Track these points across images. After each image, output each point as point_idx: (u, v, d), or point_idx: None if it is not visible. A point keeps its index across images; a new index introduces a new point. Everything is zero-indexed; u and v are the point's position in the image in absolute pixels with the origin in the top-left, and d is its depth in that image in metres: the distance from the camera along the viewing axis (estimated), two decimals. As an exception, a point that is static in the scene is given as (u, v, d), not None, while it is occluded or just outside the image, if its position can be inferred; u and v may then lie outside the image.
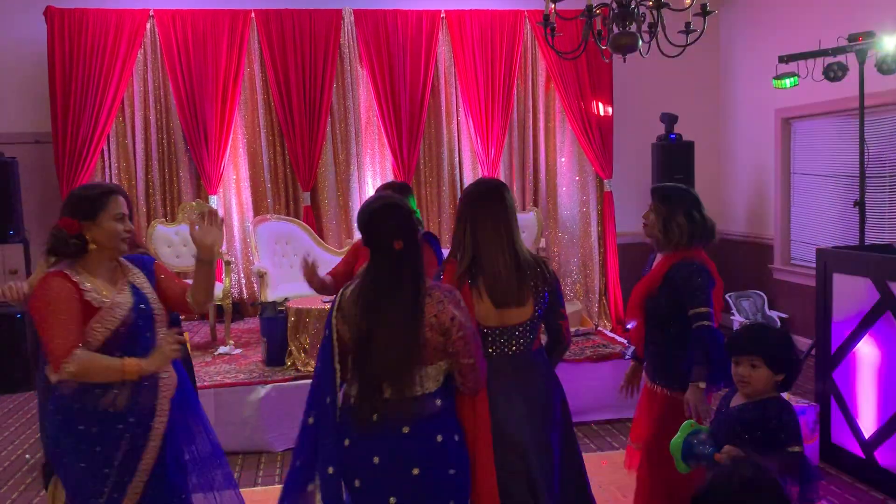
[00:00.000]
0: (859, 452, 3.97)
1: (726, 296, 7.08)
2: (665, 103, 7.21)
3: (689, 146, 7.02)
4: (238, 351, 5.48)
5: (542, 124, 7.31)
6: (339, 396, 2.22)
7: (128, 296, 2.44)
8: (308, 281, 3.50)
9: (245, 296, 6.88)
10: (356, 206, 6.96)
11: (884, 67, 4.82)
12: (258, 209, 6.88)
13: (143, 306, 2.47)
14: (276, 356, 4.93)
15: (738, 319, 6.92)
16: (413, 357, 2.14)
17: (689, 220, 3.03)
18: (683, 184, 7.04)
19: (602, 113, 7.16)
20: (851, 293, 4.05)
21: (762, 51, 6.89)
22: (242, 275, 6.90)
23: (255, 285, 6.71)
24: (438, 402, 2.20)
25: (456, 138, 7.19)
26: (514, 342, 2.51)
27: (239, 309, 6.77)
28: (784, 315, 6.86)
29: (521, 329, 2.51)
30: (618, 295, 7.30)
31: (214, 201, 6.65)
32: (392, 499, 2.14)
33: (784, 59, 5.46)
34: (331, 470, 2.16)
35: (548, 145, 7.34)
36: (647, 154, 7.20)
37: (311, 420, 2.23)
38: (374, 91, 6.86)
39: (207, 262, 2.55)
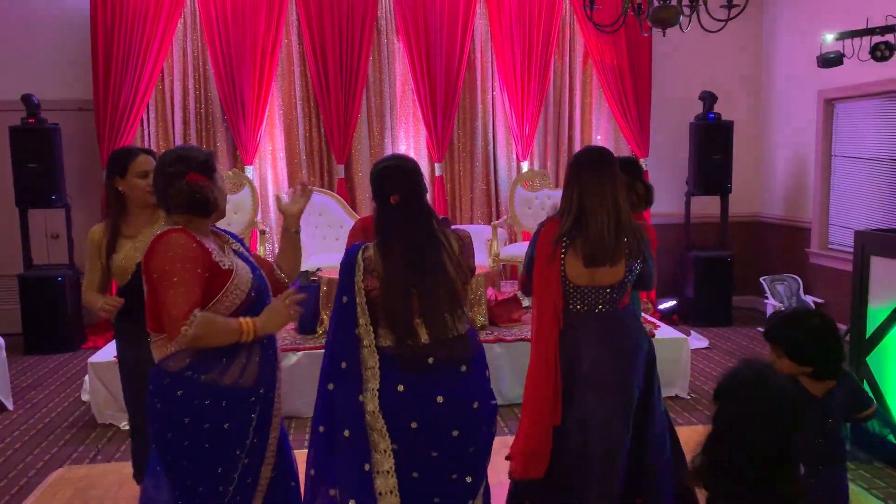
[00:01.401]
0: (892, 438, 3.92)
1: (761, 279, 6.99)
2: (704, 82, 7.09)
3: (728, 126, 6.90)
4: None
5: (578, 101, 7.25)
6: (373, 355, 2.31)
7: (241, 262, 2.35)
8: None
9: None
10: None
11: (933, 47, 4.69)
12: (293, 181, 6.94)
13: (258, 273, 2.39)
14: (308, 324, 5.00)
15: (771, 303, 6.84)
16: (452, 299, 2.31)
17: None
18: (721, 165, 6.99)
19: (639, 90, 7.07)
20: (889, 277, 3.97)
21: (806, 29, 6.73)
22: (277, 244, 6.98)
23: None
24: (478, 339, 2.41)
25: (490, 114, 7.17)
26: (601, 302, 2.67)
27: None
28: (819, 300, 6.76)
29: (609, 290, 2.66)
30: (650, 275, 7.23)
31: (250, 172, 6.72)
32: (455, 432, 2.31)
33: (829, 38, 5.33)
34: (347, 433, 2.29)
35: (584, 122, 7.28)
36: (684, 133, 7.10)
37: (330, 387, 2.35)
38: (409, 64, 6.86)
39: (295, 231, 2.59)
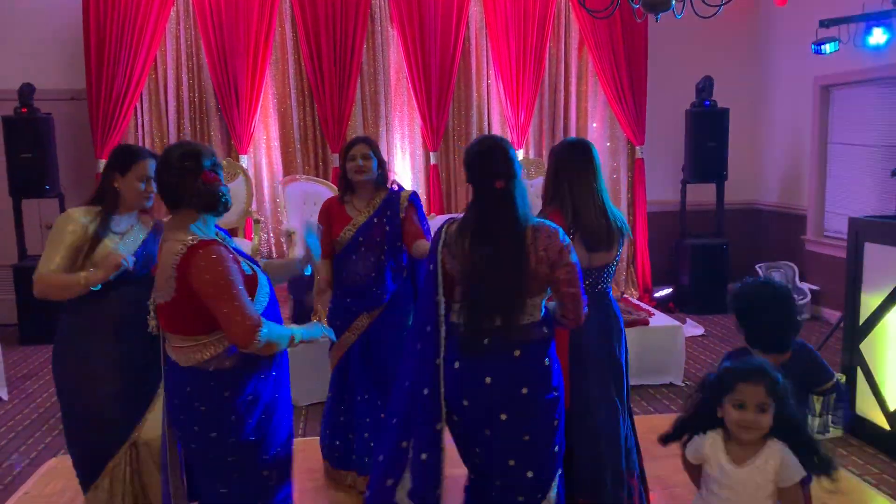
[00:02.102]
0: (884, 424, 3.93)
1: (756, 266, 6.99)
2: (700, 68, 7.05)
3: (724, 113, 6.88)
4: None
5: (573, 88, 7.22)
6: (442, 326, 2.36)
7: (251, 263, 2.43)
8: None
9: (274, 255, 6.96)
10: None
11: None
12: (287, 169, 6.92)
13: (266, 274, 2.50)
14: (302, 314, 4.99)
15: (767, 290, 6.82)
16: (521, 288, 2.30)
17: None
18: (717, 152, 6.97)
19: (635, 77, 7.04)
20: (883, 264, 3.97)
21: (802, 14, 6.68)
22: (271, 234, 6.97)
23: (283, 245, 6.78)
24: (545, 329, 2.37)
25: (486, 101, 7.14)
26: (598, 281, 2.86)
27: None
28: (815, 287, 6.76)
29: (605, 270, 2.88)
30: (646, 264, 7.24)
31: (245, 161, 6.70)
32: (502, 415, 2.30)
33: (825, 24, 5.31)
34: (426, 391, 2.35)
35: (579, 110, 7.26)
36: (680, 120, 7.08)
37: (418, 346, 2.41)
38: (404, 51, 6.82)
39: (298, 267, 2.84)
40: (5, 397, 4.94)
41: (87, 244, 2.68)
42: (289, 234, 6.16)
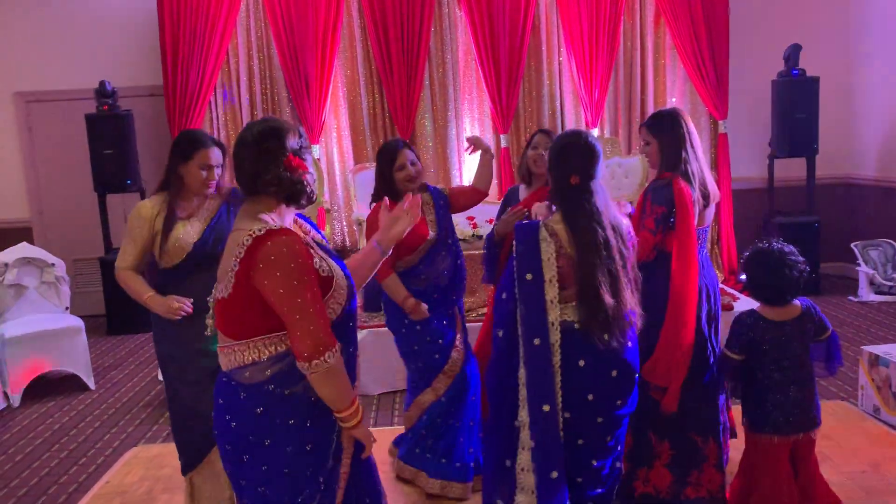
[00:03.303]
0: None
1: (852, 245, 6.55)
2: (787, 36, 6.63)
3: (814, 82, 6.45)
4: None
5: (650, 62, 6.92)
6: (552, 330, 2.34)
7: (331, 261, 2.06)
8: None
9: (347, 243, 6.98)
10: (454, 154, 6.88)
11: None
12: (358, 157, 6.91)
13: (349, 275, 2.11)
14: (373, 302, 4.97)
15: (864, 270, 6.40)
16: (631, 277, 2.39)
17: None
18: (807, 125, 6.57)
19: (716, 49, 6.67)
20: None
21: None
22: (344, 222, 6.98)
23: (355, 233, 6.79)
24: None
25: (557, 80, 6.92)
26: (701, 243, 2.97)
27: (341, 255, 6.87)
28: (918, 266, 6.29)
29: (707, 229, 3.07)
30: (731, 244, 6.89)
31: (316, 150, 6.72)
32: (618, 401, 2.41)
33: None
34: (546, 407, 2.31)
35: (657, 85, 6.95)
36: (766, 92, 6.69)
37: (513, 360, 2.39)
38: (472, 33, 6.68)
39: (382, 252, 2.27)
40: (93, 386, 5.12)
41: (158, 234, 2.76)
42: (360, 223, 6.16)
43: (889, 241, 6.51)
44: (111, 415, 4.65)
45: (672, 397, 2.80)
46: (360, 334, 4.62)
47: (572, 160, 2.40)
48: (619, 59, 6.87)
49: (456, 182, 6.81)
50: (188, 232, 2.79)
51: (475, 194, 3.46)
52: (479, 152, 3.45)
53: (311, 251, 1.97)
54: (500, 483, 2.45)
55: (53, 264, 5.31)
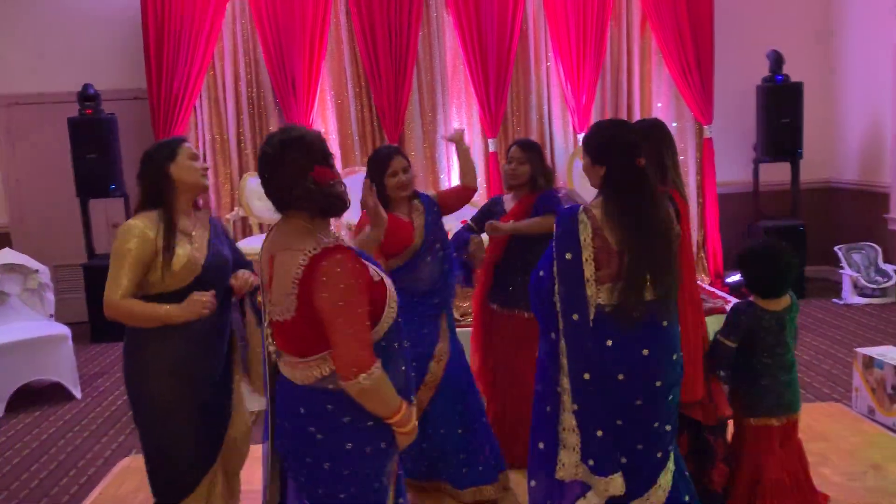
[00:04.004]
0: None
1: (836, 248, 6.64)
2: (770, 41, 6.71)
3: (798, 87, 6.54)
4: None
5: (636, 68, 6.96)
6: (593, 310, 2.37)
7: (373, 266, 2.09)
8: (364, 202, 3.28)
9: (335, 248, 6.92)
10: (442, 157, 6.87)
11: None
12: (346, 161, 6.86)
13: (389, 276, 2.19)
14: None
15: (848, 273, 6.49)
16: (673, 259, 2.43)
17: None
18: (791, 129, 6.65)
19: (701, 54, 6.74)
20: None
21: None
22: (333, 226, 6.92)
23: (345, 237, 6.73)
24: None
25: (545, 85, 6.94)
26: None
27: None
28: (901, 268, 6.39)
29: None
30: (717, 248, 6.95)
31: (303, 154, 6.66)
32: (658, 383, 2.42)
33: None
34: (587, 376, 2.36)
35: (643, 90, 7.00)
36: (750, 97, 6.76)
37: (552, 335, 2.45)
38: (460, 38, 6.67)
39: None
40: (79, 396, 5.02)
41: (157, 257, 2.46)
42: (349, 227, 6.12)
43: (871, 244, 6.61)
44: (100, 424, 4.56)
45: (708, 410, 2.87)
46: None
47: (626, 148, 2.42)
48: (606, 65, 6.90)
49: (445, 186, 6.80)
50: (195, 249, 2.54)
51: (463, 192, 3.43)
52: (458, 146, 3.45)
53: (363, 264, 1.96)
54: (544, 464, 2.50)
55: (37, 270, 5.20)
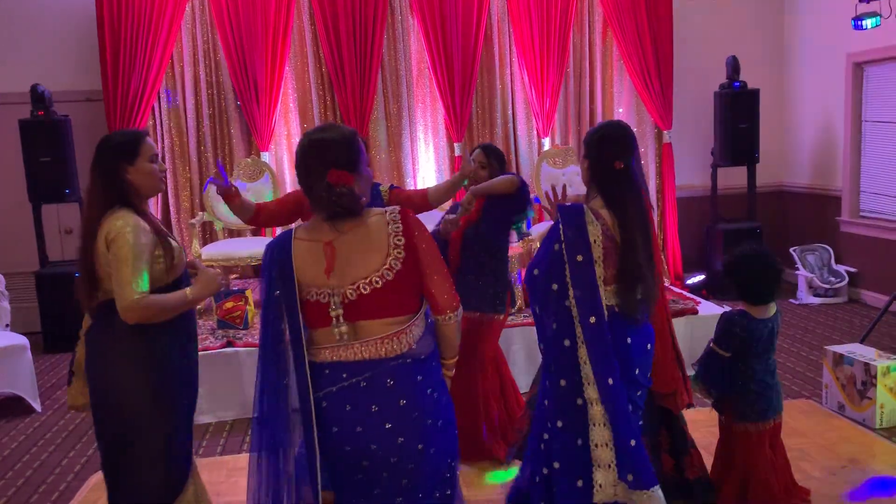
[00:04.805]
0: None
1: (791, 250, 6.85)
2: (727, 49, 6.89)
3: (754, 94, 6.73)
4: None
5: (599, 74, 7.06)
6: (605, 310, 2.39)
7: None
8: (227, 199, 3.22)
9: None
10: (408, 161, 6.84)
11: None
12: (310, 165, 6.76)
13: None
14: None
15: (803, 274, 6.70)
16: (652, 258, 2.49)
17: None
18: (749, 134, 6.82)
19: (661, 61, 6.88)
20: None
21: (833, -9, 6.56)
22: (295, 232, 6.81)
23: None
24: None
25: (510, 90, 6.99)
26: None
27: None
28: (853, 269, 6.63)
29: None
30: (676, 251, 7.10)
31: (266, 157, 6.55)
32: (648, 373, 2.55)
33: (866, -1, 5.16)
34: (611, 381, 2.32)
35: (605, 96, 7.10)
36: (708, 103, 6.93)
37: (566, 342, 2.39)
38: (425, 42, 6.66)
39: None
40: (39, 409, 4.81)
41: (157, 250, 2.43)
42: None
43: (825, 245, 6.85)
44: (65, 438, 4.38)
45: (683, 395, 2.90)
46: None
47: (616, 147, 2.49)
48: (570, 70, 6.98)
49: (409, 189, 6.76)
50: (178, 248, 2.54)
51: (420, 201, 3.47)
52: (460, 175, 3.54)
53: None
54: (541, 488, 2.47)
55: (-8, 279, 4.97)
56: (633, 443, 2.29)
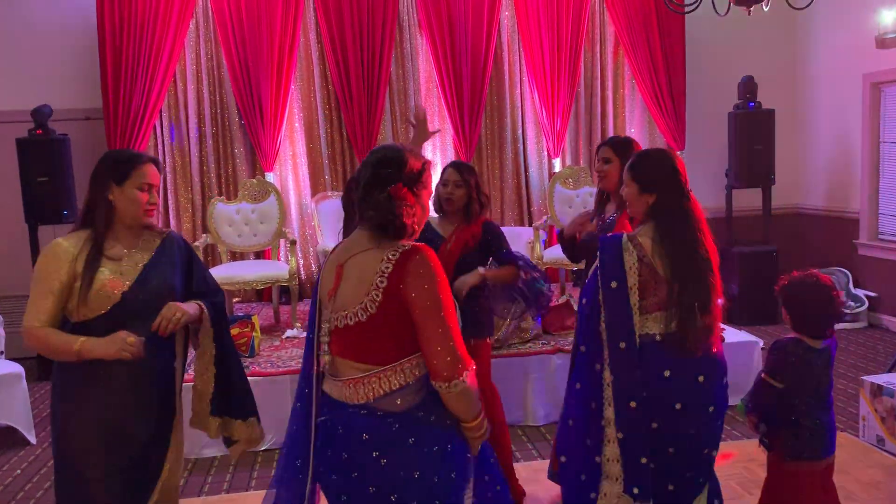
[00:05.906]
0: None
1: (808, 273, 6.68)
2: (741, 69, 6.78)
3: (770, 114, 6.60)
4: (305, 333, 5.22)
5: (610, 93, 6.94)
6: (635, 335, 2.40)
7: None
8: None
9: (303, 276, 6.61)
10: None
11: None
12: (315, 185, 6.60)
13: None
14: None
15: (821, 298, 6.53)
16: (714, 285, 2.43)
17: None
18: (764, 156, 6.69)
19: (674, 80, 6.76)
20: None
21: (849, 8, 6.44)
22: (300, 254, 6.62)
23: (319, 265, 6.46)
24: None
25: (519, 110, 6.85)
26: None
27: (297, 290, 6.50)
28: (872, 294, 6.47)
29: None
30: (690, 273, 6.92)
31: (271, 178, 6.37)
32: (711, 408, 2.45)
33: (887, 18, 5.04)
34: (633, 404, 2.36)
35: (616, 115, 6.97)
36: (721, 123, 6.80)
37: (597, 366, 2.43)
38: (434, 61, 6.52)
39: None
40: (34, 441, 4.58)
41: (78, 280, 2.25)
42: (326, 255, 5.85)
43: (842, 269, 6.69)
44: (61, 473, 4.14)
45: None
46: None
47: (682, 182, 2.48)
48: (581, 90, 6.86)
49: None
50: (117, 276, 2.31)
51: None
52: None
53: None
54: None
55: (-14, 304, 4.76)
56: (643, 460, 2.37)
